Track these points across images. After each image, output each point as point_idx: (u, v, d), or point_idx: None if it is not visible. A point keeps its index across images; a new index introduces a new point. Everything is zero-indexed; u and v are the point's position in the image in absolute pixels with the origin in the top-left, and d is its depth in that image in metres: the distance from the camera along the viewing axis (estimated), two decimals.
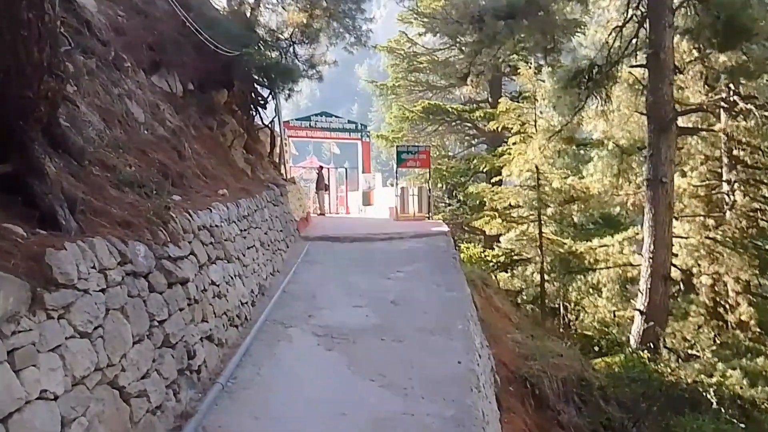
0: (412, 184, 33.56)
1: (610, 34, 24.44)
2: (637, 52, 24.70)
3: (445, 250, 19.75)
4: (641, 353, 21.79)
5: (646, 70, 24.62)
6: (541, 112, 29.86)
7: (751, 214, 27.41)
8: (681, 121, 25.27)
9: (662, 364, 21.22)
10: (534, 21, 24.75)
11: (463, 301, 14.30)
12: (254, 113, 24.30)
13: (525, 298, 31.98)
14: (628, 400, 18.06)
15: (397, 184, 30.71)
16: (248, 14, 22.06)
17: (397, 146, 32.29)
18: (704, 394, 19.42)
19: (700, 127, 27.39)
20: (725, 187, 27.76)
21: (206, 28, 16.84)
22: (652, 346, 22.54)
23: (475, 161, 38.24)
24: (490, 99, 42.81)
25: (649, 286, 23.61)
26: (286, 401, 8.55)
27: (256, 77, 22.01)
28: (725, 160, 27.64)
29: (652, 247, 23.43)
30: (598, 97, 25.13)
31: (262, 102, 24.15)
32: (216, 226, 11.36)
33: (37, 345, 5.27)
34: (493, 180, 36.04)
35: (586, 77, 24.28)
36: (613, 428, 16.73)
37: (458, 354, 10.69)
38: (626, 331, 27.60)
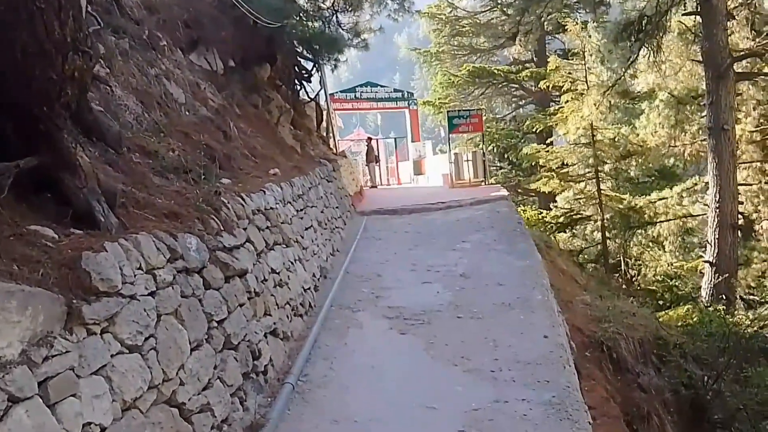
0: (465, 150, 32.54)
1: None
2: (686, 0, 23.75)
3: (509, 216, 18.83)
4: (716, 306, 20.72)
5: (698, 17, 23.71)
6: (589, 68, 28.66)
7: None
8: (735, 67, 24.09)
9: (741, 316, 20.43)
10: None
11: (536, 270, 13.39)
12: (299, 87, 23.36)
13: (586, 257, 31.05)
14: (707, 356, 17.27)
15: (450, 150, 29.79)
16: None
17: (448, 111, 31.36)
18: None
19: (753, 71, 26.13)
20: None
21: (245, 1, 15.88)
22: (724, 297, 21.78)
23: (528, 122, 37.02)
24: (535, 59, 41.92)
25: (717, 236, 22.80)
26: (366, 398, 7.66)
27: (299, 50, 21.11)
28: None
29: (717, 196, 22.61)
30: (649, 49, 24.14)
31: (306, 75, 23.18)
32: (271, 208, 10.44)
33: (77, 369, 4.36)
34: (547, 141, 35.25)
35: (636, 29, 23.30)
36: (694, 386, 15.86)
37: (542, 328, 9.82)
38: (690, 283, 27.36)
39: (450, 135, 30.30)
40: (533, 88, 40.73)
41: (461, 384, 7.97)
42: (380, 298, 11.82)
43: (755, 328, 19.08)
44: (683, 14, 24.32)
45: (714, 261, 22.66)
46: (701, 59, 23.91)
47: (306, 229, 12.78)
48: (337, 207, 17.64)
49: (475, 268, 13.52)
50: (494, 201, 20.91)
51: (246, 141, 13.39)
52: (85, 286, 4.72)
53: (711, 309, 20.74)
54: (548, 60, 35.67)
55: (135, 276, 5.38)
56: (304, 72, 23.05)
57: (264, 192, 10.45)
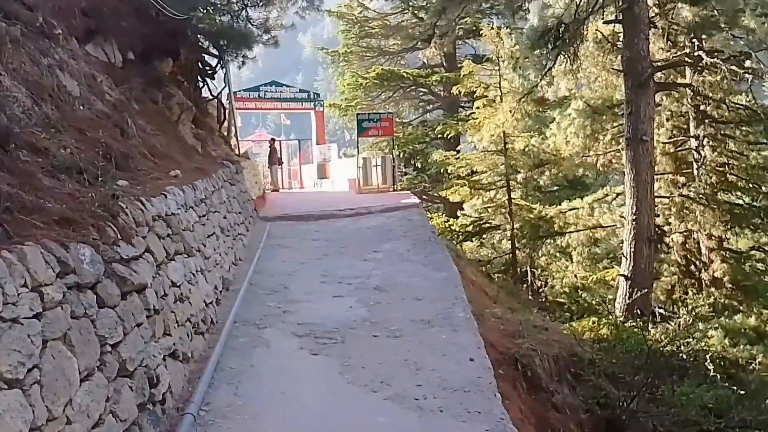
0: (374, 154, 32.05)
1: None
2: (604, 9, 23.58)
3: (422, 224, 18.54)
4: (633, 322, 20.68)
5: (618, 26, 23.67)
6: (502, 74, 28.49)
7: (720, 168, 26.57)
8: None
9: (658, 332, 20.14)
10: None
11: (454, 283, 13.08)
12: (202, 84, 22.46)
13: (492, 267, 30.90)
14: (623, 374, 16.91)
15: (358, 154, 29.33)
16: None
17: (358, 114, 30.96)
18: (691, 358, 18.52)
19: (671, 82, 26.38)
20: (693, 143, 26.96)
21: None
22: (639, 312, 21.51)
23: (439, 127, 36.76)
24: (445, 63, 41.90)
25: (633, 250, 22.45)
26: (277, 431, 7.01)
27: (204, 44, 20.31)
28: (692, 115, 26.75)
29: (634, 208, 22.27)
30: (566, 57, 24.00)
31: (210, 72, 22.30)
32: (173, 214, 9.68)
33: None
34: (455, 146, 35.58)
35: (554, 36, 23.10)
36: (610, 405, 15.65)
37: (467, 349, 9.44)
38: (597, 295, 27.40)
39: (359, 138, 29.81)
40: (442, 93, 40.90)
41: (383, 413, 7.42)
42: (288, 313, 11.21)
43: (675, 346, 19.01)
44: (604, 22, 24.11)
45: (629, 275, 22.43)
46: (620, 68, 23.72)
47: (208, 236, 12.06)
48: (240, 212, 16.96)
49: (390, 280, 13.09)
50: (405, 208, 20.61)
51: (145, 139, 12.58)
52: None
53: (627, 324, 20.56)
54: (459, 65, 35.59)
55: (19, 295, 4.65)
56: (208, 68, 22.20)
57: (165, 196, 9.69)
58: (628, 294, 22.19)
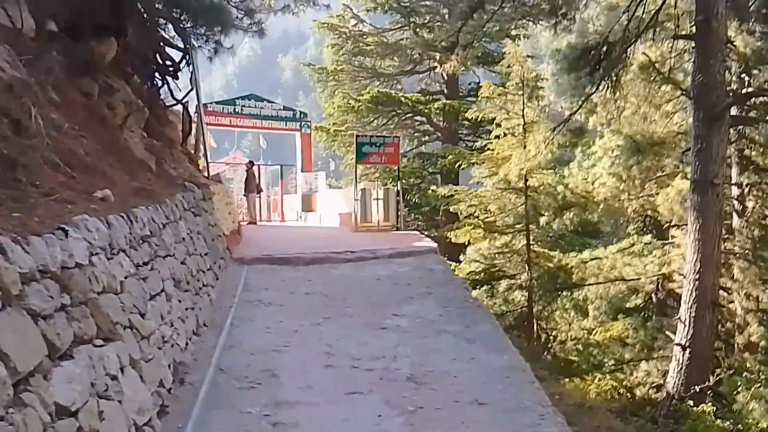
0: (374, 186, 28.06)
1: (629, 5, 19.70)
2: (656, 28, 20.33)
3: (446, 277, 14.75)
4: (702, 405, 17.66)
5: (667, 50, 21.45)
6: (525, 101, 25.09)
7: (763, 222, 23.92)
8: None
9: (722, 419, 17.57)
10: None
11: (526, 375, 9.03)
12: (161, 83, 17.68)
13: (503, 321, 27.32)
14: None
15: (356, 184, 25.35)
16: None
17: (358, 136, 26.92)
18: None
19: (751, 117, 23.34)
20: (734, 191, 24.08)
21: None
22: (697, 389, 18.22)
23: (450, 157, 32.95)
24: (446, 91, 39.32)
25: (692, 314, 18.79)
26: None
27: (163, 26, 15.79)
28: (735, 160, 23.92)
29: (698, 266, 18.65)
30: (607, 84, 20.50)
31: (171, 69, 17.46)
32: (76, 265, 5.27)
33: None
34: (455, 183, 33.35)
35: (596, 57, 19.76)
36: None
37: None
38: (609, 353, 25.37)
39: (357, 165, 26.11)
40: (442, 122, 38.47)
41: None
42: (279, 426, 6.90)
43: None
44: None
45: (687, 344, 18.89)
46: (667, 98, 22.07)
47: (152, 297, 7.53)
48: (206, 253, 12.56)
49: (426, 366, 8.99)
50: (420, 254, 16.84)
51: (60, 142, 8.22)
52: None
53: (695, 408, 17.57)
54: (461, 93, 34.26)
55: None
56: (169, 64, 17.48)
57: (65, 232, 5.30)
58: (685, 366, 18.95)
